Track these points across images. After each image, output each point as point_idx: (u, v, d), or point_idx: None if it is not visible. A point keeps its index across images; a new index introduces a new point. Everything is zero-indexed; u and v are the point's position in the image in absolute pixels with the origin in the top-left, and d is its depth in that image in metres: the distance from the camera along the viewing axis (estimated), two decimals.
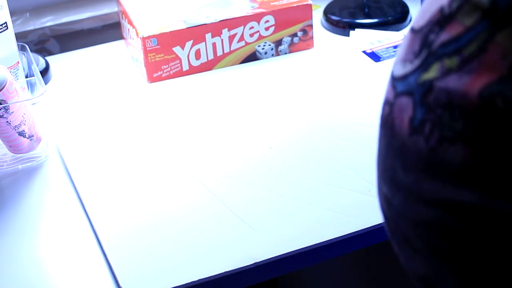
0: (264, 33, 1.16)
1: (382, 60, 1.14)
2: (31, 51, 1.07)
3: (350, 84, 1.09)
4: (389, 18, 1.24)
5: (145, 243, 0.82)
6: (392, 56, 1.14)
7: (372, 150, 0.91)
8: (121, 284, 0.76)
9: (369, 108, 1.02)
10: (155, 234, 0.83)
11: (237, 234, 0.82)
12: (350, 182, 0.89)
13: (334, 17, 1.25)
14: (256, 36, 1.15)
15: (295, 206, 0.85)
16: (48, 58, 1.21)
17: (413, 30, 0.49)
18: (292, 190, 0.88)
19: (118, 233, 0.83)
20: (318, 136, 0.97)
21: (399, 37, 1.19)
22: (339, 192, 0.87)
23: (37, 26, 1.26)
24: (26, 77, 1.06)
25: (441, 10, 0.46)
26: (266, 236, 0.81)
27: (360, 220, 0.83)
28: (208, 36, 1.13)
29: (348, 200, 0.86)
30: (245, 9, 1.15)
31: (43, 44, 1.28)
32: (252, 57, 1.17)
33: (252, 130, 1.00)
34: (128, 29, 1.18)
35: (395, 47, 1.17)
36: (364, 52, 1.16)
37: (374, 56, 1.15)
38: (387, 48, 1.17)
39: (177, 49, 1.12)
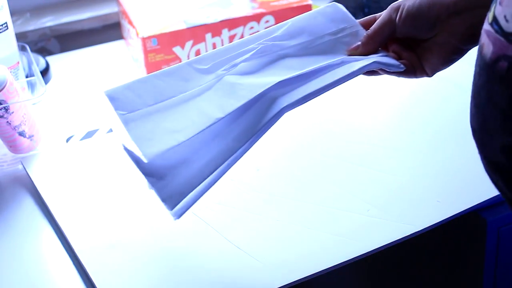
0: None
1: None
2: (31, 51, 1.08)
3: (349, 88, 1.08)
4: None
5: (135, 268, 0.77)
6: None
7: (368, 168, 0.87)
8: None
9: (367, 122, 1.00)
10: (145, 263, 0.78)
11: (234, 262, 0.77)
12: (347, 203, 0.84)
13: None
14: None
15: (293, 230, 0.81)
16: (48, 58, 1.22)
17: None
18: (287, 214, 0.83)
19: (101, 256, 0.79)
20: (309, 154, 0.93)
21: None
22: (335, 214, 0.83)
23: (38, 26, 1.27)
24: (26, 77, 1.06)
25: None
26: (266, 263, 0.76)
27: (363, 243, 0.79)
28: (208, 36, 1.13)
29: (347, 222, 0.82)
30: (245, 9, 1.15)
31: (44, 44, 1.28)
32: None
33: None
34: (128, 29, 1.18)
35: None
36: None
37: None
38: None
39: (177, 49, 1.12)
